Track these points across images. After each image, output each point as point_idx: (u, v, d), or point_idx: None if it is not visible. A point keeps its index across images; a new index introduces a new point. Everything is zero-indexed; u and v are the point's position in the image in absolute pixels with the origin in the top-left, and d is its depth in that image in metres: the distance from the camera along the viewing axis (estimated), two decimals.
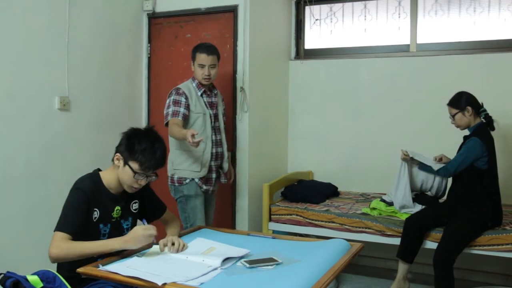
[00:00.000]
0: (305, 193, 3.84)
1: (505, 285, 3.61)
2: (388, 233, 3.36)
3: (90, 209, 2.02)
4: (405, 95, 4.14)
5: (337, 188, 4.17)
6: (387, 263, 4.12)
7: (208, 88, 3.28)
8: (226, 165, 3.40)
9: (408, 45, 4.24)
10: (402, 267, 3.26)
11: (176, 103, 3.12)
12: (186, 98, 3.14)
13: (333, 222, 3.53)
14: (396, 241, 3.31)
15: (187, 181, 3.17)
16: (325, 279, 1.68)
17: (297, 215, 3.65)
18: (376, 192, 4.14)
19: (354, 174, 4.38)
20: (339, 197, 4.11)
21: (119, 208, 2.13)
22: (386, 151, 4.18)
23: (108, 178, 2.11)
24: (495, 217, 3.14)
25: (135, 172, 2.03)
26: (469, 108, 3.14)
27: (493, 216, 3.12)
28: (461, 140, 3.28)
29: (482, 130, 3.15)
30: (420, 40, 4.20)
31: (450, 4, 4.11)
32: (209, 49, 3.18)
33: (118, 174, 2.09)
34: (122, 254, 1.96)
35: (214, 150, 3.24)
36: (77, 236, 1.94)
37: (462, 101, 3.16)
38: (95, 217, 2.04)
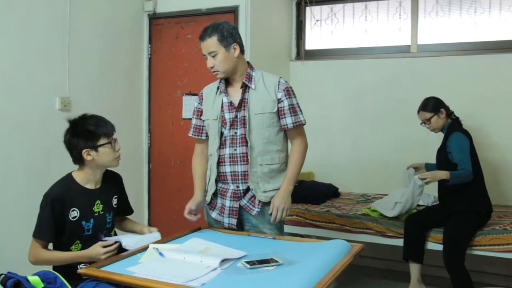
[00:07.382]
0: (305, 194, 3.83)
1: (506, 286, 3.60)
2: (389, 234, 3.35)
3: (66, 211, 2.08)
4: (405, 96, 4.13)
5: (337, 189, 4.16)
6: (388, 264, 4.11)
7: (230, 82, 2.44)
8: (260, 194, 2.39)
9: (409, 45, 4.24)
10: (414, 269, 3.25)
11: (193, 112, 2.56)
12: (201, 101, 2.50)
13: (334, 223, 3.53)
14: (397, 242, 3.30)
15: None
16: (326, 280, 1.68)
17: (297, 215, 3.64)
18: (376, 193, 4.13)
19: (355, 175, 4.37)
20: (340, 198, 4.11)
21: (99, 201, 2.19)
22: (387, 151, 4.18)
23: (81, 176, 2.18)
24: (485, 203, 3.19)
25: (108, 143, 2.13)
26: (442, 110, 3.26)
27: (482, 202, 3.17)
28: None
29: (455, 125, 3.26)
30: (421, 41, 4.20)
31: (450, 4, 4.11)
32: (202, 34, 2.35)
33: (96, 165, 2.15)
34: (120, 255, 1.97)
35: (225, 169, 2.39)
36: (55, 238, 2.09)
37: (435, 105, 3.28)
38: (75, 217, 2.10)
